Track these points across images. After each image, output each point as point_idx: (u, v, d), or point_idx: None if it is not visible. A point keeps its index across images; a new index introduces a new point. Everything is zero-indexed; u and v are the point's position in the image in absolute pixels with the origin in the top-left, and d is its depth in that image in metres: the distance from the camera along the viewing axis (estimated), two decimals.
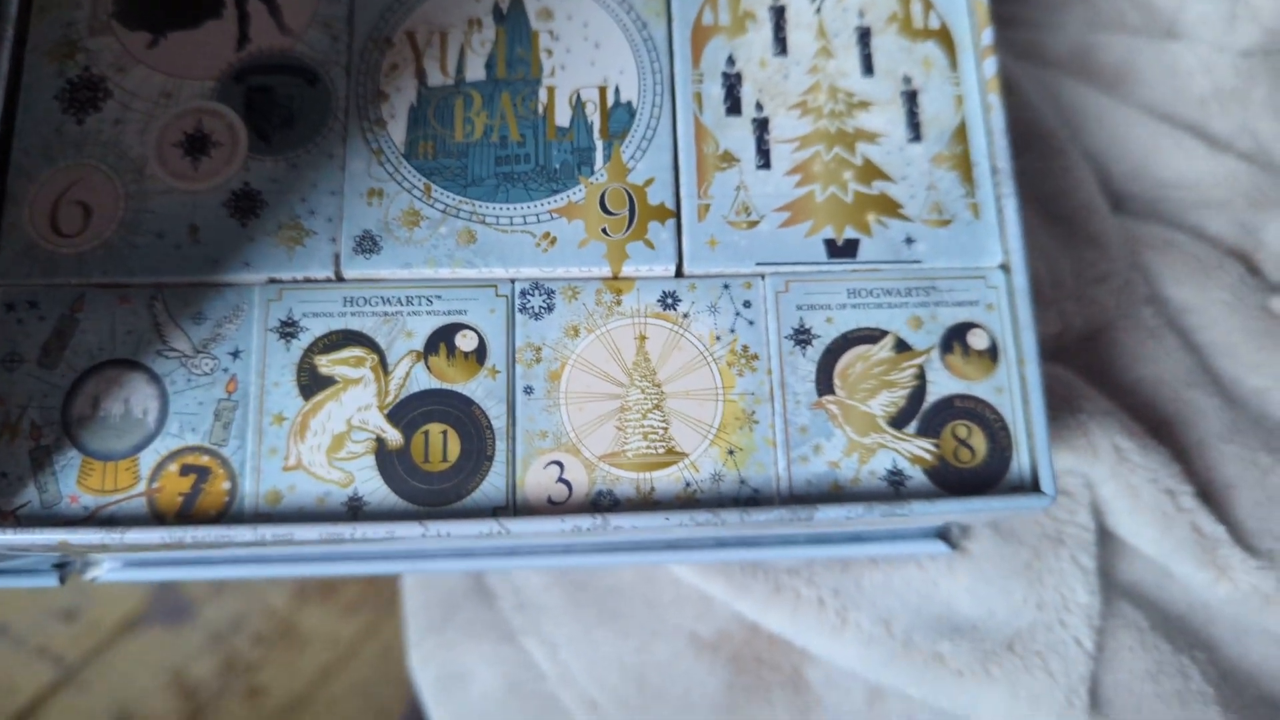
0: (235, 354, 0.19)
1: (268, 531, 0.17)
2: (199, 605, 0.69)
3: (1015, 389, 0.20)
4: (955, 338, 0.20)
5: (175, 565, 0.23)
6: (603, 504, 0.18)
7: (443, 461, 0.19)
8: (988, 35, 0.21)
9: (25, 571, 0.24)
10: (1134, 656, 0.26)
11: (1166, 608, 0.27)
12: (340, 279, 0.19)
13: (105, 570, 0.23)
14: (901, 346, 0.20)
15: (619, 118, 0.20)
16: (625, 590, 0.29)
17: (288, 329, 0.19)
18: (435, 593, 0.32)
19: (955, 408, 0.20)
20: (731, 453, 0.19)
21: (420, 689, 0.32)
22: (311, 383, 0.19)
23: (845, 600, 0.26)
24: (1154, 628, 0.26)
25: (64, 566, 0.23)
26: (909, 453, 0.19)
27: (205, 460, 0.18)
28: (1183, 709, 0.26)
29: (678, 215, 0.20)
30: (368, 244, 0.19)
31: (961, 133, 0.21)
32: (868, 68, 0.21)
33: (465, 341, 0.19)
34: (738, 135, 0.21)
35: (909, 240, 0.20)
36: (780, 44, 0.21)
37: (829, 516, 0.18)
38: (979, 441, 0.19)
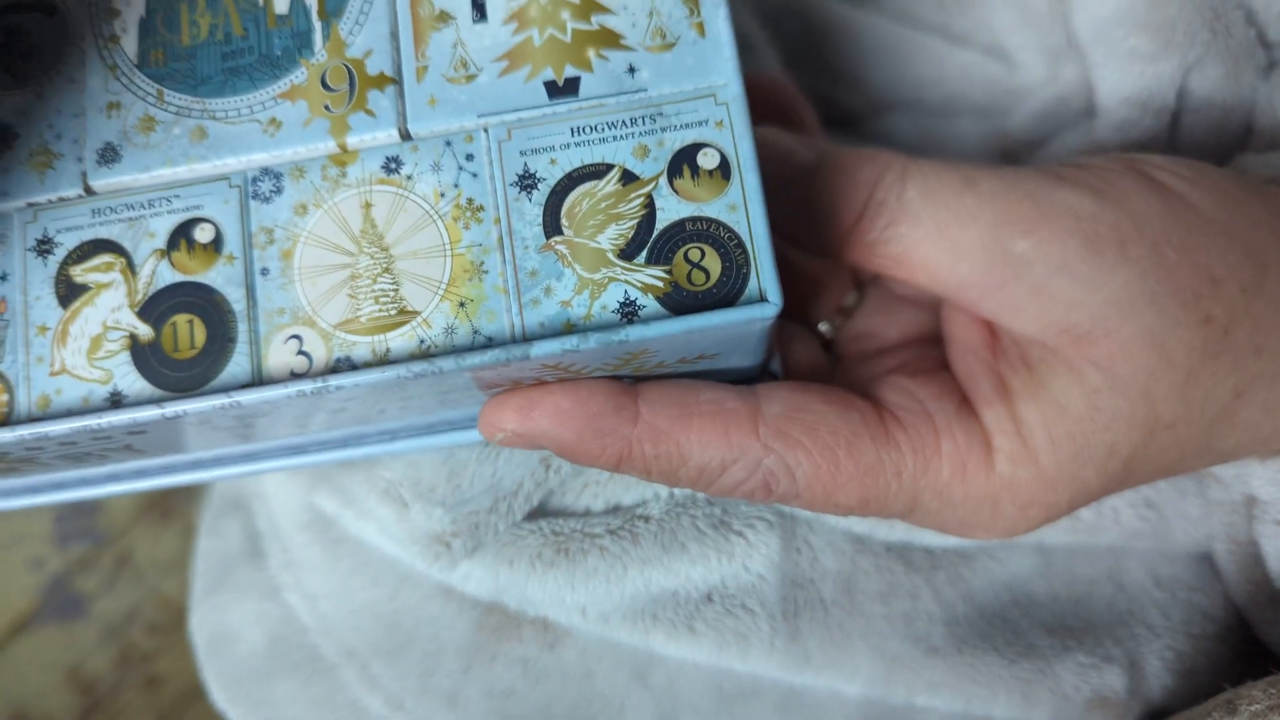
0: (3, 277, 0.20)
1: (25, 431, 0.19)
2: (91, 600, 0.71)
3: (750, 205, 0.19)
4: (684, 160, 0.19)
5: (32, 494, 0.25)
6: (341, 369, 0.19)
7: (190, 349, 0.19)
8: None
9: None
10: (868, 579, 0.27)
11: (914, 535, 0.28)
12: (89, 192, 0.20)
13: None
14: (628, 178, 0.19)
15: None
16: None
17: (44, 246, 0.20)
18: (214, 557, 0.33)
19: (687, 231, 0.19)
20: (463, 305, 0.19)
21: (196, 653, 0.33)
22: (69, 292, 0.20)
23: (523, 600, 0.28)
24: (890, 551, 0.28)
25: None
26: (640, 282, 0.19)
27: None
28: (908, 627, 0.27)
29: (397, 81, 0.20)
30: (110, 154, 0.20)
31: None
32: None
33: (203, 233, 0.20)
34: None
35: (632, 70, 0.20)
36: None
37: (544, 351, 0.18)
38: (712, 262, 0.19)
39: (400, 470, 0.29)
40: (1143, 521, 0.28)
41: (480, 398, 0.21)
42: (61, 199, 0.20)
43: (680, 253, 0.19)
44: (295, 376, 0.19)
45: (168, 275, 0.20)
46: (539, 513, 0.29)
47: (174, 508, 0.74)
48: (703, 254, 0.19)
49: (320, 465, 0.25)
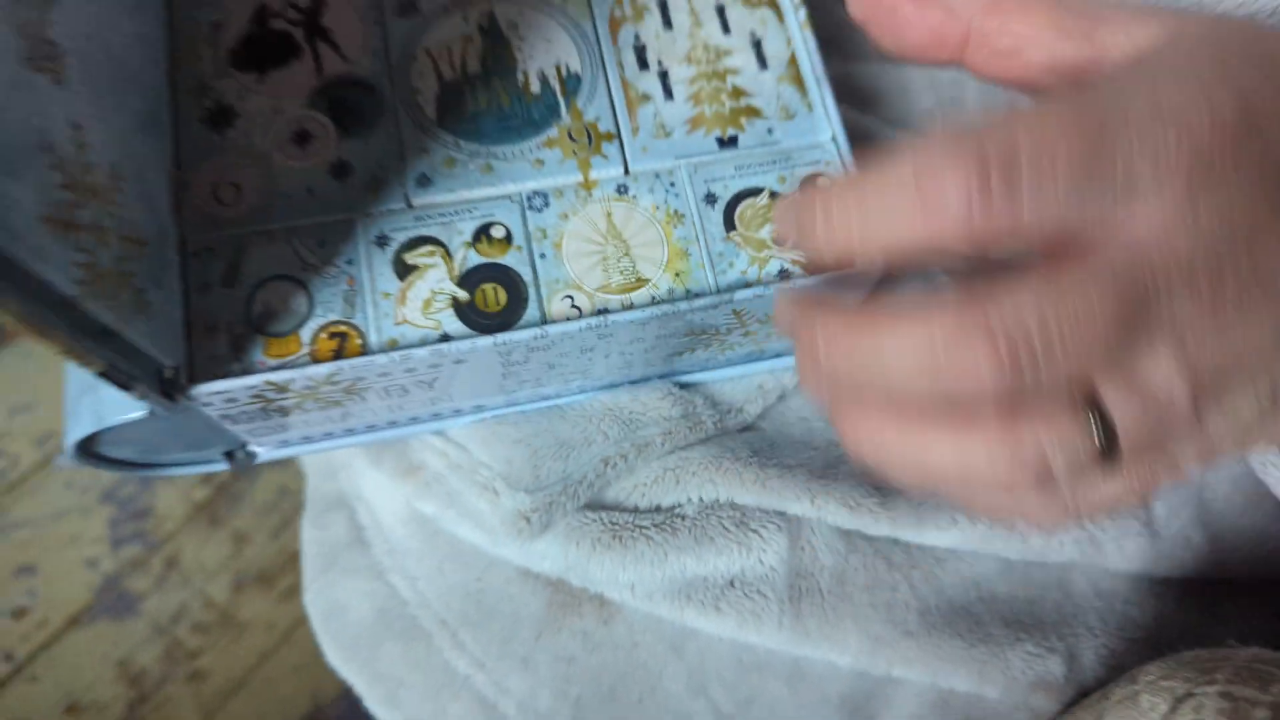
0: (350, 261, 0.29)
1: (395, 354, 0.28)
2: (142, 599, 0.76)
3: None
4: (809, 184, 0.31)
5: (314, 442, 0.33)
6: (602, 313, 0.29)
7: (496, 306, 0.29)
8: (801, 10, 0.32)
9: (200, 462, 0.33)
10: (857, 574, 0.34)
11: (897, 533, 0.35)
12: (410, 206, 0.30)
13: (264, 453, 0.33)
14: (774, 195, 0.31)
15: (571, 83, 0.31)
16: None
17: (382, 240, 0.29)
18: (323, 546, 0.40)
19: None
20: (678, 274, 0.30)
21: (311, 622, 0.39)
22: (403, 270, 0.29)
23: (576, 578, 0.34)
24: (876, 551, 0.34)
25: (230, 456, 0.33)
26: (790, 258, 0.30)
27: (343, 328, 0.29)
28: (889, 613, 0.33)
29: (619, 137, 0.31)
30: (424, 181, 0.30)
31: (793, 60, 0.32)
32: (725, 29, 0.32)
33: (497, 232, 0.30)
34: (649, 83, 0.32)
35: (770, 131, 0.31)
36: (667, 22, 0.32)
37: (743, 296, 0.29)
38: None
39: (498, 467, 0.35)
40: (1080, 551, 0.34)
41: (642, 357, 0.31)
42: (390, 210, 0.30)
43: None
44: (573, 319, 0.29)
45: (474, 258, 0.29)
46: (598, 505, 0.35)
47: (220, 515, 0.78)
48: None
49: (525, 412, 0.34)
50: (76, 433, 0.28)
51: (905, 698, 0.34)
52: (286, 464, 0.92)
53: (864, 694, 0.34)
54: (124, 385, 0.25)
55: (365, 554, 0.39)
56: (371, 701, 0.37)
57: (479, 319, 0.29)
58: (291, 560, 0.87)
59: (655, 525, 0.34)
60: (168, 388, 0.26)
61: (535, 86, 0.31)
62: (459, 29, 0.32)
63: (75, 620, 0.80)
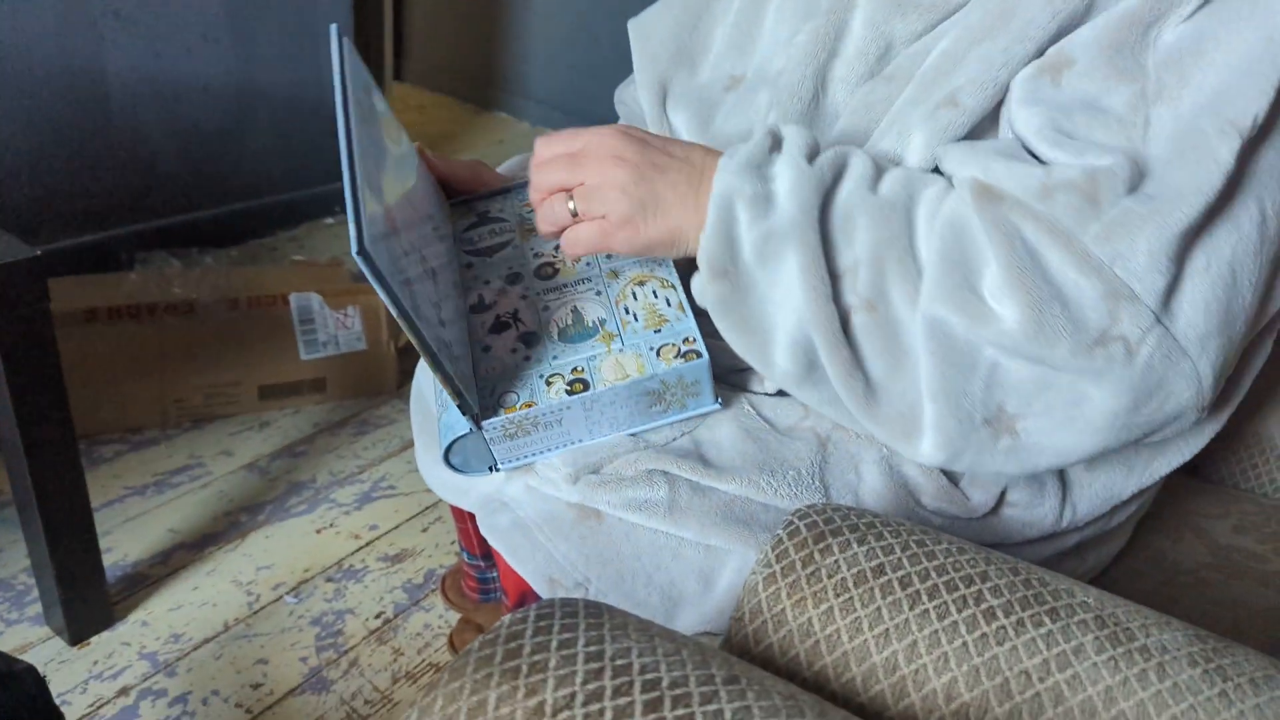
0: (537, 378, 0.86)
1: (544, 408, 0.84)
2: (333, 683, 1.30)
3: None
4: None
5: (519, 460, 0.88)
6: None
7: (581, 390, 0.85)
8: (681, 289, 0.91)
9: (479, 472, 0.89)
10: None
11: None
12: (550, 365, 0.88)
13: (503, 467, 0.88)
14: (686, 342, 0.87)
15: (600, 321, 0.90)
16: None
17: (541, 375, 0.87)
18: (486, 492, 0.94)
19: None
20: (640, 372, 0.85)
21: (480, 523, 0.92)
22: (547, 384, 0.86)
23: None
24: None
25: (491, 469, 0.88)
26: (677, 364, 0.86)
27: (529, 401, 0.85)
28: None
29: (620, 335, 0.89)
30: (557, 354, 0.88)
31: (681, 305, 0.90)
32: (655, 296, 0.91)
33: (579, 369, 0.87)
34: (629, 317, 0.90)
35: (672, 326, 0.88)
36: (634, 296, 0.91)
37: (663, 372, 0.84)
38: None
39: (565, 458, 0.88)
40: None
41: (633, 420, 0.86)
42: (541, 368, 0.87)
43: None
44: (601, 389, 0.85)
45: (571, 377, 0.86)
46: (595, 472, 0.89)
47: (386, 638, 1.37)
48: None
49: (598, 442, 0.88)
50: (444, 442, 0.84)
51: None
52: (429, 615, 1.52)
53: None
54: (464, 411, 0.82)
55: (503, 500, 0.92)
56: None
57: (574, 395, 0.85)
58: (428, 668, 1.37)
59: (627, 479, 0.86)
60: (475, 421, 0.83)
61: (589, 322, 0.90)
62: (566, 311, 0.91)
63: (292, 692, 1.35)
